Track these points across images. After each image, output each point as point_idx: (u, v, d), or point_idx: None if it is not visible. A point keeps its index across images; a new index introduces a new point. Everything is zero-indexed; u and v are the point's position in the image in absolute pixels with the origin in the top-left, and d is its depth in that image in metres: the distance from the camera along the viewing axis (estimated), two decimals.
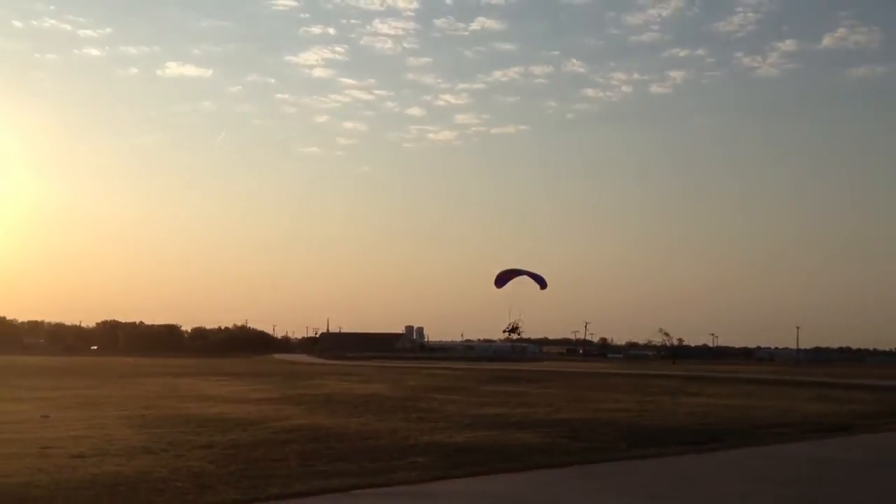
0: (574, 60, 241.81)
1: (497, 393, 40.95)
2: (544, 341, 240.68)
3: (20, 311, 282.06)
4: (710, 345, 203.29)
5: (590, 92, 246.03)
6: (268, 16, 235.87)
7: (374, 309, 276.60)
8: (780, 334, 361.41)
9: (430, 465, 15.46)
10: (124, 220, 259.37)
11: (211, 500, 11.67)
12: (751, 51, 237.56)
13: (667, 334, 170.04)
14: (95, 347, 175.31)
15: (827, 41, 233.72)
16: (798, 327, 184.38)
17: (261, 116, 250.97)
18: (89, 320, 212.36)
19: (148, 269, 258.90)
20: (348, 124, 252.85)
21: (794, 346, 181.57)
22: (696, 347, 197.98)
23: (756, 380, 62.40)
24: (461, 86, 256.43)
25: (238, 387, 43.30)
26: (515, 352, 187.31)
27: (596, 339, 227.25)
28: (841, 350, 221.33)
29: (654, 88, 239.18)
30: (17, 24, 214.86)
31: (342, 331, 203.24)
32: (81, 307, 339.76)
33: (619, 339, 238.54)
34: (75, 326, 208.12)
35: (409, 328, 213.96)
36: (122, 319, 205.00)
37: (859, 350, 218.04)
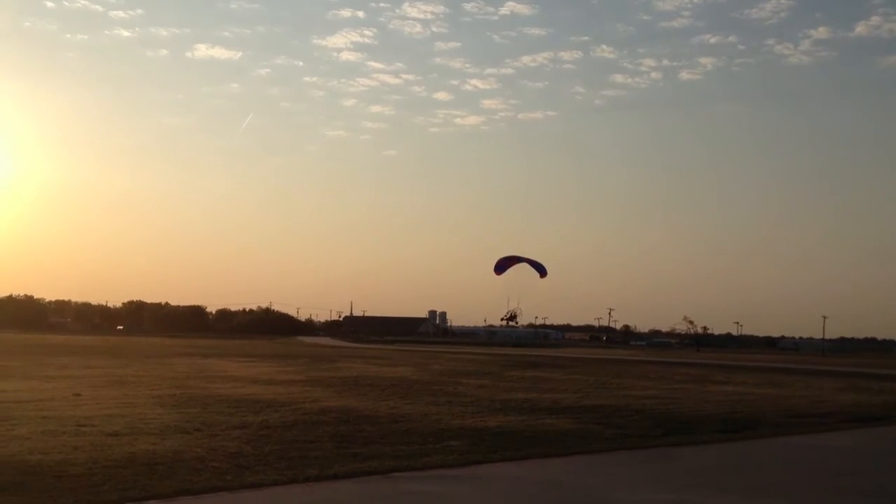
0: (603, 46, 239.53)
1: (523, 378, 40.79)
2: (567, 327, 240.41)
3: (47, 291, 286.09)
4: (735, 333, 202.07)
5: (619, 78, 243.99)
6: None
7: (397, 293, 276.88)
8: (804, 324, 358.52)
9: (466, 449, 15.33)
10: (150, 201, 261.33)
11: (250, 480, 11.60)
12: (782, 38, 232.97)
13: (691, 322, 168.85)
14: (121, 327, 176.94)
15: (860, 29, 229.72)
16: (825, 317, 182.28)
17: (288, 99, 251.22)
18: (115, 300, 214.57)
19: (174, 250, 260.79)
20: (375, 108, 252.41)
21: (817, 336, 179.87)
22: (720, 336, 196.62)
23: (784, 369, 61.83)
24: (489, 70, 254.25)
25: (265, 368, 43.41)
26: (538, 338, 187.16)
27: (619, 326, 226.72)
28: (866, 340, 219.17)
29: (684, 75, 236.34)
30: (49, 4, 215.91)
31: (365, 314, 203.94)
32: (108, 287, 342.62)
33: (643, 326, 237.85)
34: (101, 306, 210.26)
35: (433, 313, 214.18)
36: (148, 300, 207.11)
37: (885, 340, 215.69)
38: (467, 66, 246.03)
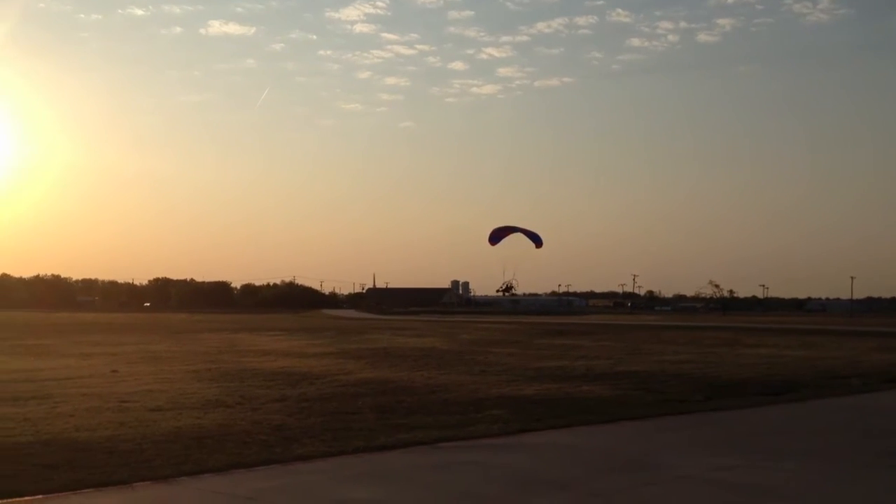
0: (619, 10, 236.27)
1: (552, 346, 40.70)
2: (591, 294, 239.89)
3: (74, 270, 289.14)
4: (760, 296, 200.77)
5: (635, 42, 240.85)
6: None
7: (419, 264, 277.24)
8: (831, 285, 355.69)
9: (509, 417, 15.25)
10: (170, 179, 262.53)
11: (299, 452, 11.57)
12: None
13: (717, 286, 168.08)
14: (148, 304, 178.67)
15: None
16: (853, 277, 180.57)
17: (303, 74, 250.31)
18: (141, 278, 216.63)
19: (196, 227, 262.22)
20: (391, 80, 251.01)
21: (844, 297, 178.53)
22: (746, 299, 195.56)
23: (815, 330, 61.33)
24: (504, 38, 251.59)
25: (294, 342, 43.61)
26: (562, 305, 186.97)
27: (643, 292, 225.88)
28: (894, 300, 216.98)
29: (702, 37, 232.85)
30: None
31: (388, 286, 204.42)
32: (133, 265, 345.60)
33: (667, 291, 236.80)
34: (128, 284, 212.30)
35: (455, 283, 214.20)
36: (174, 277, 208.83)
37: None
38: (482, 34, 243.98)
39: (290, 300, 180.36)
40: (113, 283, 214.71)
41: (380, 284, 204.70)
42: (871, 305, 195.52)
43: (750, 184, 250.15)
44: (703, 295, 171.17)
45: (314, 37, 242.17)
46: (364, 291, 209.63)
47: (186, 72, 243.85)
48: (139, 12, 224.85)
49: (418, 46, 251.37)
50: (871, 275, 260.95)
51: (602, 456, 11.99)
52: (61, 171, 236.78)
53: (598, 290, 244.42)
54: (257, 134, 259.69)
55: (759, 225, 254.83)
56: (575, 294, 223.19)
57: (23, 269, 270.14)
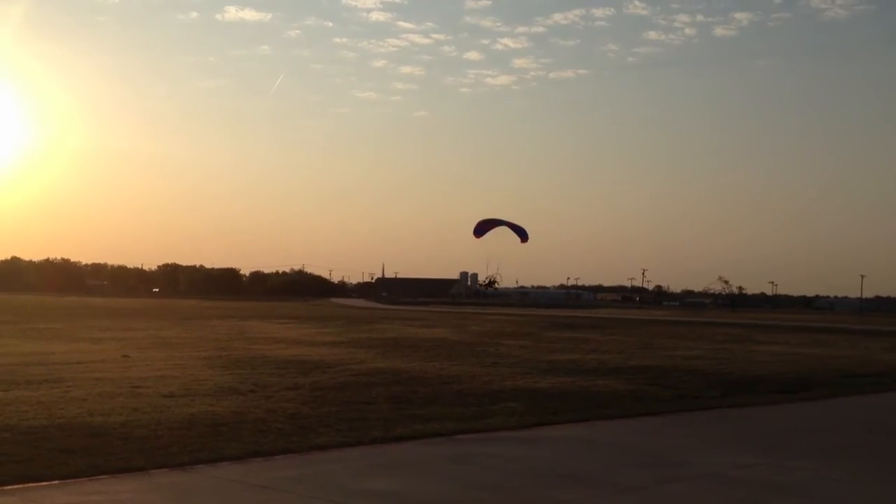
0: (636, 2, 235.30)
1: (563, 339, 40.57)
2: (599, 288, 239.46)
3: (83, 254, 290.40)
4: (769, 293, 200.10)
5: (652, 35, 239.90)
6: None
7: (429, 254, 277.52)
8: (840, 283, 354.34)
9: (525, 410, 15.12)
10: (182, 165, 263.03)
11: (316, 441, 11.47)
12: None
13: (726, 282, 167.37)
14: (157, 290, 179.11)
15: None
16: (863, 276, 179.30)
17: (318, 61, 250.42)
18: (150, 263, 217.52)
19: (207, 213, 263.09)
20: (405, 69, 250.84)
21: (853, 295, 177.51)
22: (754, 296, 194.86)
23: (825, 328, 61.04)
24: (520, 29, 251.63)
25: (304, 330, 43.57)
26: (570, 298, 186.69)
27: (651, 286, 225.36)
28: None
29: (719, 31, 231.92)
30: None
31: (398, 276, 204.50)
32: (143, 250, 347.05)
33: (675, 286, 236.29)
34: (137, 269, 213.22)
35: (464, 274, 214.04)
36: (183, 263, 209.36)
37: None
38: (498, 24, 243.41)
39: (298, 288, 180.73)
40: (122, 268, 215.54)
41: (389, 274, 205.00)
42: (880, 304, 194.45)
43: (765, 180, 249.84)
44: (712, 291, 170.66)
45: (330, 24, 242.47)
46: (373, 281, 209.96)
47: (201, 57, 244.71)
48: None
49: (434, 35, 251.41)
50: (880, 274, 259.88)
51: (622, 451, 11.84)
52: (73, 153, 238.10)
53: (606, 283, 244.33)
54: (271, 121, 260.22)
55: (772, 222, 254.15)
56: (583, 287, 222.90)
57: (33, 252, 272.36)
